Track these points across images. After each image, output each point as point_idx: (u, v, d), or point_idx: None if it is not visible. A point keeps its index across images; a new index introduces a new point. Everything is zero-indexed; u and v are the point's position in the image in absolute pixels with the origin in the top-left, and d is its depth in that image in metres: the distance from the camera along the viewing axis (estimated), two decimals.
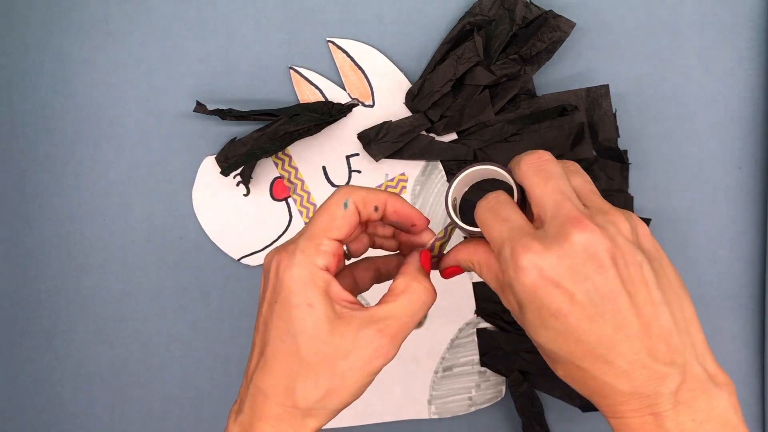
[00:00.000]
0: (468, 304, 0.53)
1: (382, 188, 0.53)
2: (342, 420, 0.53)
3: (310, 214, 0.52)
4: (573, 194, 0.31)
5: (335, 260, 0.32)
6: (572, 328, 0.29)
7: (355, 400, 0.33)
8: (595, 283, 0.29)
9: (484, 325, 0.53)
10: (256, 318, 0.34)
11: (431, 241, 0.36)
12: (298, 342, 0.31)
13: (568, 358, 0.30)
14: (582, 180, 0.33)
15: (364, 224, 0.35)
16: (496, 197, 0.33)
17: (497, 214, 0.32)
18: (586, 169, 0.51)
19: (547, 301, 0.29)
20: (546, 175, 0.31)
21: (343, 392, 0.32)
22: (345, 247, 0.35)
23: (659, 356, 0.29)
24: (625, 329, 0.29)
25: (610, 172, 0.52)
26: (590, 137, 0.52)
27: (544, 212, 0.31)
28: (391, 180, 0.53)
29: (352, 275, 0.37)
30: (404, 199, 0.35)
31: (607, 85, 0.52)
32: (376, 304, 0.33)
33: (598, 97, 0.52)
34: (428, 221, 0.36)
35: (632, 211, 0.53)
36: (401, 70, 0.52)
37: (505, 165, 0.35)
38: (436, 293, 0.34)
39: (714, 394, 0.30)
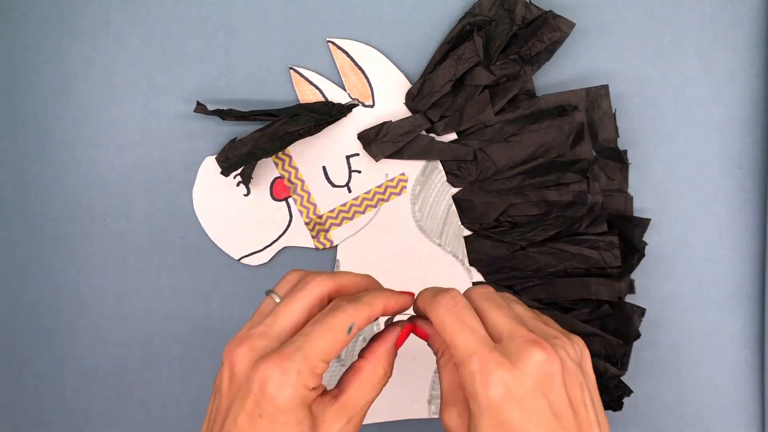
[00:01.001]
0: None
1: (382, 188, 0.53)
2: None
3: (311, 214, 0.52)
4: (521, 320, 0.33)
5: (320, 379, 0.32)
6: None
7: None
8: (550, 400, 0.31)
9: None
10: (211, 418, 0.32)
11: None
12: None
13: None
14: (523, 308, 0.35)
15: None
16: (454, 298, 0.34)
17: (461, 320, 0.33)
18: (586, 169, 0.51)
19: (509, 417, 0.30)
20: (497, 303, 0.34)
21: None
22: None
23: None
24: None
25: (610, 172, 0.52)
26: (590, 137, 0.52)
27: (499, 333, 0.32)
28: (391, 180, 0.53)
29: None
30: (397, 294, 0.35)
31: (607, 85, 0.52)
32: (342, 388, 0.33)
33: (598, 97, 0.52)
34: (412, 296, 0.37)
35: (632, 212, 0.53)
36: (401, 70, 0.52)
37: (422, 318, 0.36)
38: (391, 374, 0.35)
39: None
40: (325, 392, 0.33)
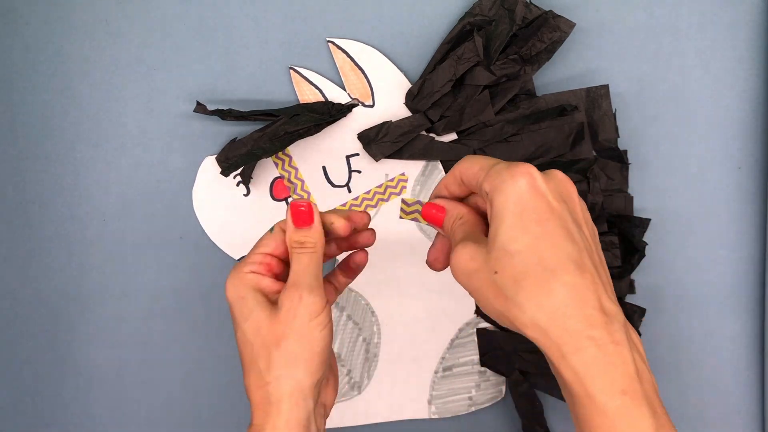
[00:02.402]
0: (468, 304, 0.53)
1: (382, 188, 0.53)
2: (342, 420, 0.53)
3: None
4: None
5: (263, 267, 0.38)
6: (549, 234, 0.31)
7: (325, 345, 0.37)
8: (570, 207, 0.33)
9: (484, 325, 0.53)
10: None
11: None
12: (247, 331, 0.37)
13: (539, 269, 0.31)
14: None
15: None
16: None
17: (476, 157, 0.36)
18: (586, 169, 0.51)
19: (532, 206, 0.32)
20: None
21: (302, 348, 0.36)
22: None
23: (608, 293, 0.32)
24: (588, 257, 0.32)
25: (610, 172, 0.52)
26: (590, 137, 0.52)
27: None
28: (391, 180, 0.53)
29: (331, 283, 0.43)
30: (341, 211, 0.40)
31: (607, 86, 0.52)
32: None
33: (597, 97, 0.52)
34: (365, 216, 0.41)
35: (632, 212, 0.53)
36: (401, 70, 0.52)
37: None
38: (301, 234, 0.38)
39: (631, 332, 0.33)
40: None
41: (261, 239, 0.40)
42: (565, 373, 0.31)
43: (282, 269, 0.40)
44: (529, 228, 0.31)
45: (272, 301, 0.38)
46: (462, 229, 0.36)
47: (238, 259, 0.44)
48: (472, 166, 0.35)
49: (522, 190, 0.32)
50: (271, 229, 0.39)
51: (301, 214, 0.38)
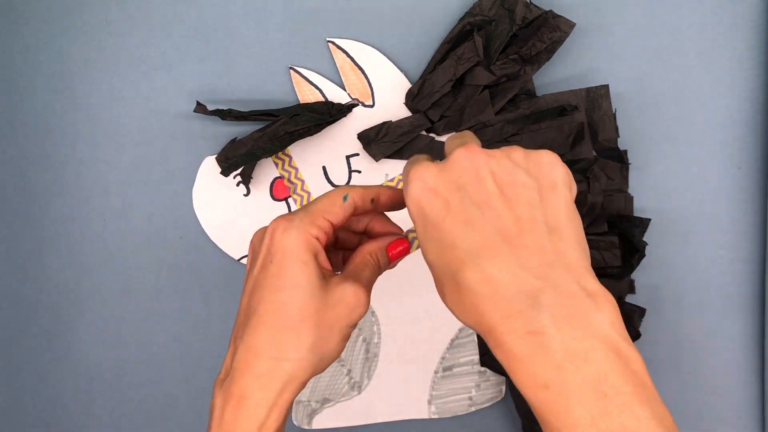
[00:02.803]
0: None
1: None
2: (342, 420, 0.53)
3: None
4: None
5: (325, 237, 0.35)
6: (447, 234, 0.30)
7: (336, 356, 0.35)
8: (470, 191, 0.31)
9: None
10: (244, 284, 0.36)
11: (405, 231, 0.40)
12: (292, 296, 0.33)
13: (448, 273, 0.30)
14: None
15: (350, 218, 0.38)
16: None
17: (411, 162, 0.34)
18: (586, 169, 0.51)
19: (428, 209, 0.31)
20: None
21: (328, 345, 0.34)
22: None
23: (529, 267, 0.29)
24: (495, 237, 0.30)
25: (610, 172, 0.52)
26: (590, 137, 0.52)
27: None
28: (391, 180, 0.53)
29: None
30: (393, 187, 0.38)
31: (607, 85, 0.52)
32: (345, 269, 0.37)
33: (598, 97, 0.52)
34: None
35: (632, 212, 0.53)
36: (401, 70, 0.52)
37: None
38: (385, 260, 0.38)
39: (592, 312, 0.28)
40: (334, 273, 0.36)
41: (331, 201, 0.36)
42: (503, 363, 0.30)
43: (331, 240, 0.37)
44: (431, 235, 0.31)
45: (323, 273, 0.35)
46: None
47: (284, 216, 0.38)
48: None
49: (416, 197, 0.31)
50: (345, 198, 0.36)
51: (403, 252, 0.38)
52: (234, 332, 0.36)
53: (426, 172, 0.31)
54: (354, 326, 0.35)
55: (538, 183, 0.31)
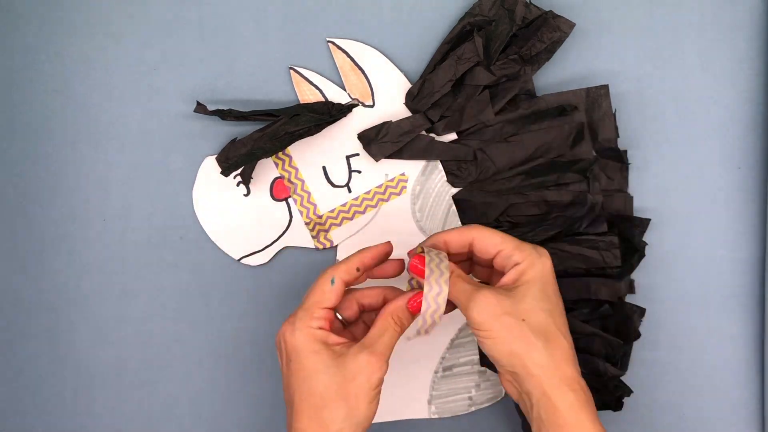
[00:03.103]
0: None
1: (382, 188, 0.53)
2: None
3: (311, 215, 0.52)
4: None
5: (327, 323, 0.42)
6: (558, 306, 0.42)
7: (371, 415, 0.41)
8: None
9: None
10: (283, 388, 0.43)
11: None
12: (316, 382, 0.40)
13: (553, 329, 0.41)
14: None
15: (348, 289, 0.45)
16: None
17: (492, 230, 0.44)
18: (586, 169, 0.51)
19: (552, 282, 0.43)
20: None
21: (359, 410, 0.40)
22: (339, 316, 0.45)
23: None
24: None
25: (610, 172, 0.52)
26: (590, 137, 0.52)
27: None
28: (391, 180, 0.53)
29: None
30: (367, 248, 0.44)
31: (607, 86, 0.52)
32: (366, 335, 0.42)
33: (598, 97, 0.52)
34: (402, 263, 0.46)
35: (632, 212, 0.53)
36: (401, 70, 0.52)
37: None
38: (404, 326, 0.43)
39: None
40: (350, 344, 0.42)
41: (321, 291, 0.42)
42: (543, 403, 0.40)
43: (334, 319, 0.44)
44: (551, 298, 0.42)
45: (336, 353, 0.41)
46: (467, 279, 0.43)
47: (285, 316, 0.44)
48: (491, 237, 0.43)
49: (547, 269, 0.42)
50: (333, 281, 0.42)
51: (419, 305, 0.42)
52: (287, 421, 0.43)
53: (548, 260, 0.43)
54: (377, 387, 0.41)
55: None
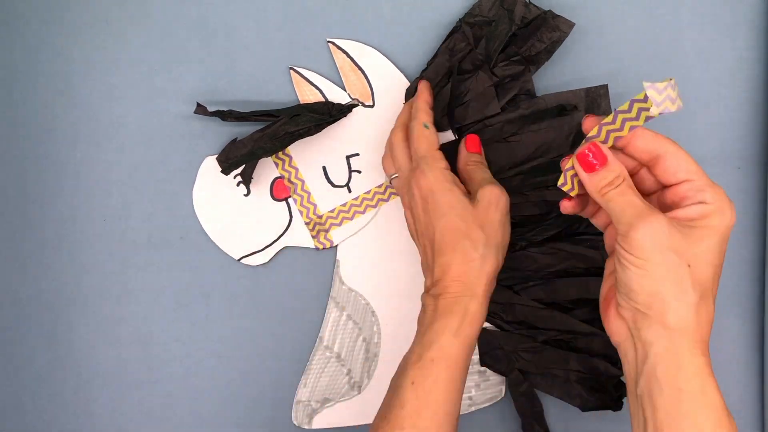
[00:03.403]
0: None
1: (382, 188, 0.53)
2: (342, 420, 0.53)
3: (311, 215, 0.52)
4: None
5: (448, 164, 0.46)
6: (721, 267, 0.38)
7: (507, 239, 0.45)
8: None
9: (484, 324, 0.53)
10: (417, 237, 0.47)
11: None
12: (453, 216, 0.43)
13: (710, 289, 0.37)
14: None
15: None
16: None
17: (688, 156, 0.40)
18: None
19: (727, 239, 0.38)
20: None
21: (497, 235, 0.44)
22: None
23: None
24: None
25: None
26: None
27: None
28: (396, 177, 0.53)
29: None
30: (421, 92, 0.50)
31: (606, 85, 0.52)
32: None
33: (597, 97, 0.52)
34: None
35: None
36: (401, 70, 0.52)
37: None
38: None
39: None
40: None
41: (425, 138, 0.46)
42: (666, 360, 0.37)
43: None
44: (723, 256, 0.37)
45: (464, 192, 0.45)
46: (639, 198, 0.38)
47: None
48: (687, 161, 0.39)
49: (732, 223, 0.37)
50: (426, 126, 0.47)
51: (593, 161, 0.39)
52: (426, 266, 0.46)
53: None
54: (508, 213, 0.45)
55: None
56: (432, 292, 0.44)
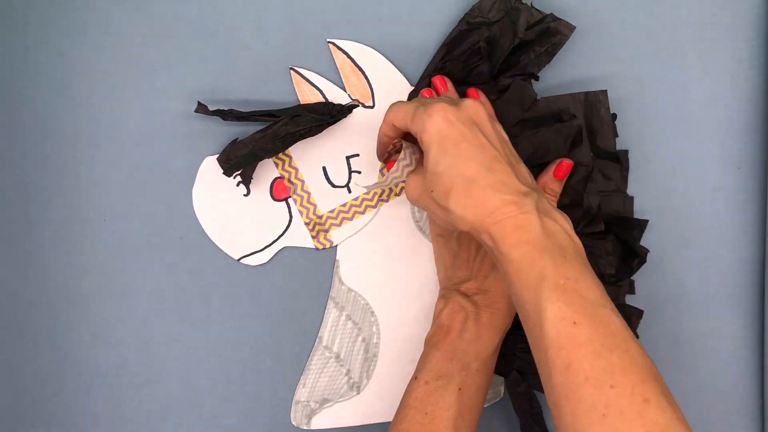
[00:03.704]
0: None
1: (381, 189, 0.53)
2: (341, 420, 0.53)
3: (311, 215, 0.52)
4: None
5: None
6: (464, 151, 0.41)
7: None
8: (480, 127, 0.42)
9: None
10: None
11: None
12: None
13: (459, 179, 0.40)
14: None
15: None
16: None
17: (401, 103, 0.44)
18: (586, 172, 0.51)
19: (448, 134, 0.41)
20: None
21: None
22: None
23: (522, 181, 0.41)
24: (499, 159, 0.41)
25: (610, 172, 0.52)
26: (588, 141, 0.52)
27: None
28: None
29: None
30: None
31: (605, 90, 0.51)
32: None
33: (596, 101, 0.52)
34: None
35: (632, 212, 0.53)
36: (401, 71, 0.52)
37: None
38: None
39: (557, 213, 0.41)
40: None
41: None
42: (488, 243, 0.40)
43: None
44: (448, 151, 0.41)
45: None
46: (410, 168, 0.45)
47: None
48: (398, 112, 0.44)
49: (438, 124, 0.41)
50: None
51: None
52: (462, 260, 0.49)
53: (448, 109, 0.41)
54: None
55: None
56: (475, 299, 0.47)
